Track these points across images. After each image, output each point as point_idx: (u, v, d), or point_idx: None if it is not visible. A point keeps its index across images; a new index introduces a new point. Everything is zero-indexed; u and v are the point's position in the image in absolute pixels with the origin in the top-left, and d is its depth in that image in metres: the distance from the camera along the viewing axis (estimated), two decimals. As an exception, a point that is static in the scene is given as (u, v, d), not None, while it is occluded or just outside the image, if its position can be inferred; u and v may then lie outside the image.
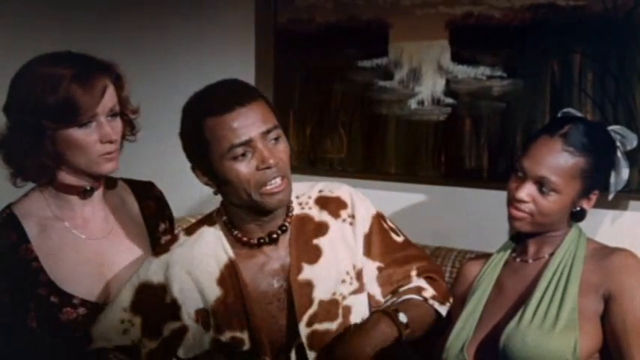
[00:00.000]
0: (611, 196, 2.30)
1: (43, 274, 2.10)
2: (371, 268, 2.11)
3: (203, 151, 1.95)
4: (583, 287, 2.11)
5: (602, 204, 2.30)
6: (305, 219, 2.07)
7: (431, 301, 2.12)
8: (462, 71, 2.70)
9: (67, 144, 2.05)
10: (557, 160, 2.13)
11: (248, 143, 1.92)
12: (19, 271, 2.09)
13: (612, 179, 2.26)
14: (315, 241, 2.05)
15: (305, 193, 2.11)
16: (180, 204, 2.60)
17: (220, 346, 2.00)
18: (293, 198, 2.06)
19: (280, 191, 1.95)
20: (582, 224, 2.23)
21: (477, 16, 2.66)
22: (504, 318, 2.16)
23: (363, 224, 2.10)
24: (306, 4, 2.94)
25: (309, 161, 2.97)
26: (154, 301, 2.02)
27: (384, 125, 2.85)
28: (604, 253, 2.16)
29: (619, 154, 2.25)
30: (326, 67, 2.92)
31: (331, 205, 2.10)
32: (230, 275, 2.00)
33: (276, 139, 1.96)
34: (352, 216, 2.10)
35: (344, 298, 2.04)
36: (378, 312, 2.01)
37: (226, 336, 1.99)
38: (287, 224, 2.05)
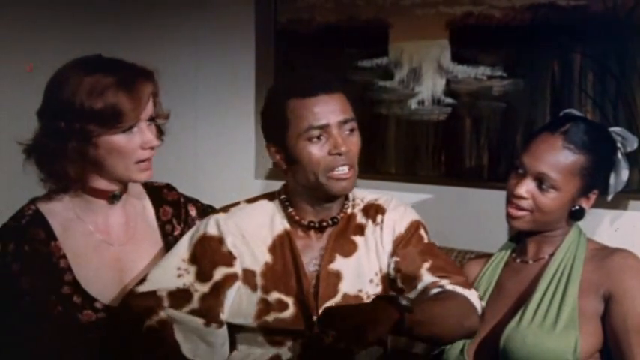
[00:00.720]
0: (610, 197, 2.29)
1: (70, 272, 2.11)
2: (391, 263, 2.13)
3: (281, 129, 2.06)
4: (583, 287, 2.11)
5: (601, 204, 2.30)
6: (351, 217, 2.16)
7: (450, 287, 2.06)
8: (462, 71, 2.70)
9: (109, 149, 2.07)
10: (558, 157, 2.13)
11: (325, 128, 2.04)
12: (50, 266, 2.10)
13: (612, 180, 2.25)
14: (353, 237, 2.14)
15: (360, 197, 2.21)
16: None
17: (268, 311, 2.07)
18: (350, 199, 2.18)
19: (346, 179, 2.06)
20: (582, 224, 2.23)
21: (477, 16, 2.65)
22: (504, 318, 2.16)
23: (394, 230, 2.15)
24: (307, 4, 2.94)
25: (309, 161, 2.96)
26: (210, 250, 2.11)
27: (384, 125, 2.85)
28: (604, 253, 2.16)
29: (619, 155, 2.24)
30: (326, 67, 2.91)
31: (372, 210, 2.18)
32: (282, 244, 2.11)
33: (351, 130, 2.09)
34: (382, 221, 2.16)
35: (368, 297, 2.09)
36: (375, 298, 1.99)
37: (273, 297, 2.07)
38: (338, 218, 2.15)
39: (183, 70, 3.15)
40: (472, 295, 2.09)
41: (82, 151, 2.05)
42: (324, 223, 2.13)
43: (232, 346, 2.16)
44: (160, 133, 2.21)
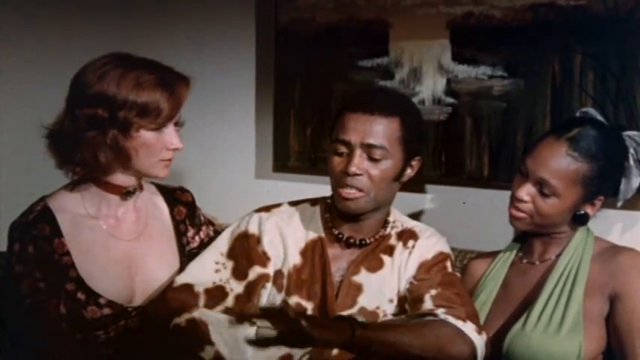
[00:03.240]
0: (619, 204, 2.25)
1: (73, 269, 2.13)
2: (407, 284, 2.14)
3: (332, 138, 2.13)
4: (589, 288, 2.09)
5: (611, 204, 2.26)
6: (385, 237, 2.18)
7: (443, 316, 2.02)
8: (463, 71, 2.70)
9: (141, 143, 2.11)
10: (559, 163, 2.10)
11: (347, 144, 2.06)
12: (52, 263, 2.12)
13: (622, 186, 2.21)
14: (382, 256, 2.16)
15: (400, 221, 2.22)
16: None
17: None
18: (390, 221, 2.19)
19: (350, 199, 2.08)
20: (591, 223, 2.21)
21: (478, 16, 2.65)
22: (509, 320, 2.16)
23: (420, 256, 2.15)
24: (307, 4, 2.93)
25: (309, 161, 2.96)
26: (248, 249, 2.15)
27: (385, 125, 2.85)
28: (611, 252, 2.13)
29: (631, 161, 2.20)
30: (326, 67, 2.92)
31: (406, 234, 2.20)
32: (314, 249, 2.13)
33: (378, 159, 2.06)
34: (413, 246, 2.17)
35: (385, 315, 2.10)
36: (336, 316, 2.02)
37: (293, 300, 2.09)
38: (367, 241, 2.16)
39: (184, 70, 3.13)
40: (466, 326, 2.02)
41: (118, 141, 2.09)
42: (352, 240, 2.15)
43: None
44: None
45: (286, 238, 2.14)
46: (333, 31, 2.90)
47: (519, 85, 2.61)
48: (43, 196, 2.19)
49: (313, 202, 2.22)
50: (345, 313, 2.06)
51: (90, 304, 2.13)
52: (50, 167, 2.15)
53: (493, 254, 2.32)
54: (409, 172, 2.15)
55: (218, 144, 3.13)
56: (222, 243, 2.18)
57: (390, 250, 2.17)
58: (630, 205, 2.36)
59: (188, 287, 2.11)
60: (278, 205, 2.24)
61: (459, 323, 2.01)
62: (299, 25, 2.96)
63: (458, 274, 2.22)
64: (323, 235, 2.15)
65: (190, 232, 2.32)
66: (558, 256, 2.18)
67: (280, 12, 2.98)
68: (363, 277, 2.12)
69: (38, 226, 2.13)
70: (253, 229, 2.16)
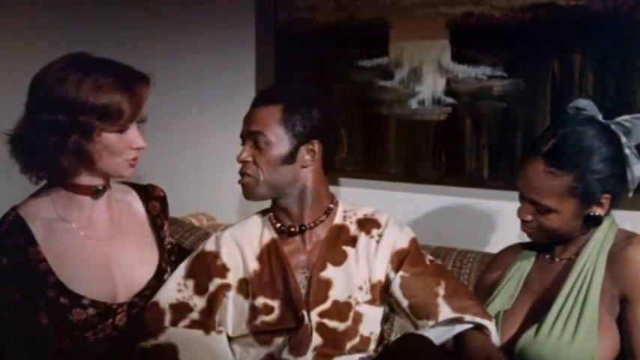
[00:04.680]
0: (630, 194, 2.13)
1: (52, 275, 2.11)
2: (396, 278, 2.17)
3: None
4: (601, 291, 2.05)
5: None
6: (343, 228, 2.22)
7: (469, 317, 2.10)
8: (463, 71, 2.70)
9: (104, 146, 2.10)
10: (542, 182, 2.06)
11: (241, 136, 2.19)
12: (29, 273, 2.10)
13: (628, 176, 2.10)
14: (344, 248, 2.19)
15: (352, 210, 2.25)
16: (179, 204, 2.60)
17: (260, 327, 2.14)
18: (340, 211, 2.24)
19: (244, 185, 2.19)
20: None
21: (478, 16, 2.65)
22: (524, 321, 2.13)
23: (393, 244, 2.19)
24: (307, 4, 2.94)
25: (309, 161, 2.96)
26: (207, 265, 2.20)
27: (385, 125, 2.85)
28: (619, 248, 2.07)
29: (627, 150, 2.10)
30: (326, 67, 2.92)
31: (367, 224, 2.23)
32: (269, 252, 2.19)
33: (262, 146, 2.15)
34: (380, 235, 2.20)
35: (357, 303, 2.14)
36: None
37: (259, 302, 2.14)
38: (307, 226, 2.20)
39: (184, 70, 3.15)
40: (490, 325, 2.10)
41: (80, 145, 2.07)
42: (292, 229, 2.20)
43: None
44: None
45: (243, 249, 2.20)
46: (333, 31, 2.90)
47: (519, 85, 2.61)
48: (13, 206, 2.17)
49: (264, 212, 2.28)
50: (318, 308, 2.12)
51: (74, 307, 2.11)
52: (16, 173, 2.14)
53: (522, 246, 2.26)
54: (307, 157, 2.18)
55: (218, 144, 3.13)
56: (182, 267, 2.23)
57: (353, 241, 2.20)
58: (629, 205, 2.36)
59: (154, 305, 2.17)
60: (234, 224, 2.33)
61: (486, 322, 2.09)
62: (299, 25, 2.96)
63: (430, 257, 2.26)
64: (276, 236, 2.20)
65: (165, 226, 2.33)
66: (577, 255, 2.12)
67: (280, 12, 2.98)
68: (330, 271, 2.17)
69: (12, 236, 2.11)
70: (210, 247, 2.22)
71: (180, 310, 2.16)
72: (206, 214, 3.01)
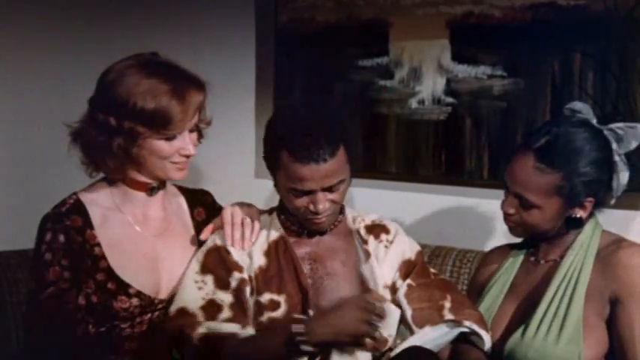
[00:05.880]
0: (612, 201, 2.17)
1: (104, 260, 2.17)
2: (403, 285, 2.18)
3: (274, 167, 2.13)
4: (590, 291, 2.06)
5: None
6: (353, 231, 2.23)
7: (467, 323, 2.12)
8: (463, 70, 2.70)
9: (150, 151, 2.14)
10: (530, 177, 2.07)
11: (308, 193, 2.08)
12: (83, 254, 2.16)
13: (614, 183, 2.13)
14: (356, 249, 2.21)
15: (360, 216, 2.27)
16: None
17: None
18: (349, 217, 2.25)
19: (319, 222, 2.14)
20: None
21: (478, 16, 2.66)
22: (510, 324, 2.14)
23: (402, 253, 2.21)
24: (307, 3, 2.93)
25: (309, 161, 2.96)
26: (220, 259, 2.17)
27: (385, 125, 2.85)
28: (611, 249, 2.09)
29: (616, 157, 2.12)
30: (326, 66, 2.92)
31: (376, 229, 2.24)
32: (277, 248, 2.18)
33: (337, 189, 2.10)
34: (391, 242, 2.22)
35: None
36: None
37: (265, 298, 2.13)
38: (327, 230, 2.20)
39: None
40: (487, 337, 2.14)
41: (125, 149, 2.13)
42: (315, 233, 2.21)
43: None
44: (200, 136, 2.28)
45: (251, 247, 2.19)
46: (333, 30, 2.90)
47: (519, 85, 2.61)
48: (74, 192, 2.24)
49: (268, 211, 2.28)
50: (324, 304, 2.10)
51: (120, 294, 2.16)
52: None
53: (510, 247, 2.29)
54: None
55: (218, 144, 3.13)
56: (193, 265, 2.20)
57: (364, 243, 2.21)
58: (628, 204, 2.36)
59: (182, 311, 2.13)
60: None
61: (483, 332, 2.12)
62: (299, 24, 2.96)
63: (434, 270, 2.28)
64: (284, 233, 2.20)
65: None
66: (562, 257, 2.14)
67: (280, 12, 2.98)
68: (335, 268, 2.18)
69: (71, 217, 2.17)
70: (218, 241, 2.20)
71: (211, 309, 2.12)
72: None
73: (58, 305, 2.11)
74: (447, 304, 2.14)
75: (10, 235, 2.75)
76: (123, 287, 2.17)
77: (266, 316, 2.12)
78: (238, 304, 2.13)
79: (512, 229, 2.18)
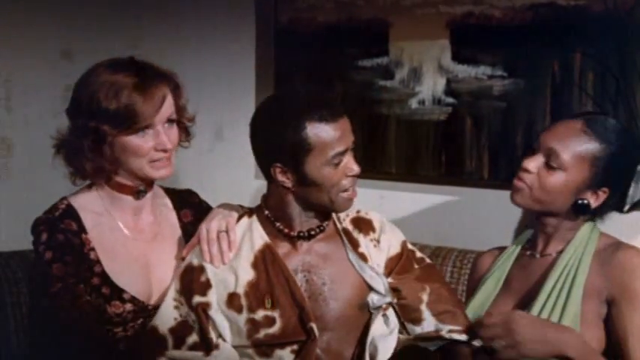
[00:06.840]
0: (626, 208, 2.20)
1: (99, 264, 2.17)
2: (388, 279, 2.18)
3: (301, 153, 2.04)
4: (587, 290, 2.06)
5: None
6: (345, 232, 2.20)
7: (447, 335, 2.11)
8: (463, 71, 2.70)
9: (123, 149, 2.13)
10: (572, 137, 2.10)
11: (344, 152, 2.06)
12: (80, 256, 2.15)
13: (631, 190, 2.16)
14: (360, 250, 2.18)
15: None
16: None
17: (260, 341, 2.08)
18: (333, 216, 2.19)
19: (354, 197, 2.12)
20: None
21: (478, 16, 2.65)
22: None
23: (388, 250, 2.20)
24: (307, 4, 2.93)
25: (309, 161, 2.96)
26: (190, 280, 2.12)
27: (385, 125, 2.85)
28: (610, 251, 2.10)
29: None
30: (326, 66, 2.92)
31: (362, 224, 2.22)
32: (264, 258, 2.11)
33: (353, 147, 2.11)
34: (377, 240, 2.21)
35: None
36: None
37: (259, 315, 2.07)
38: (324, 226, 2.16)
39: (184, 70, 3.12)
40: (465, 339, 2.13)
41: (96, 150, 2.12)
42: (312, 232, 2.15)
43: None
44: (187, 134, 2.27)
45: (232, 262, 2.12)
46: (333, 31, 2.90)
47: (519, 85, 2.61)
48: (64, 197, 2.23)
49: (247, 215, 2.20)
50: (326, 311, 2.10)
51: (114, 299, 2.16)
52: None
53: (501, 249, 2.30)
54: None
55: (218, 144, 3.14)
56: (175, 283, 2.16)
57: (357, 245, 2.18)
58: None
59: (154, 330, 2.11)
60: None
61: (463, 337, 2.10)
62: (299, 25, 2.96)
63: (419, 254, 2.26)
64: (268, 240, 2.13)
65: None
66: (560, 252, 2.15)
67: (280, 12, 2.98)
68: (329, 273, 2.15)
69: (65, 221, 2.17)
70: (195, 260, 2.14)
71: (181, 331, 2.09)
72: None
73: (72, 299, 2.11)
74: (425, 297, 2.13)
75: (10, 235, 2.75)
76: (117, 292, 2.16)
77: (262, 332, 2.06)
78: (203, 327, 2.07)
79: (518, 193, 2.14)
